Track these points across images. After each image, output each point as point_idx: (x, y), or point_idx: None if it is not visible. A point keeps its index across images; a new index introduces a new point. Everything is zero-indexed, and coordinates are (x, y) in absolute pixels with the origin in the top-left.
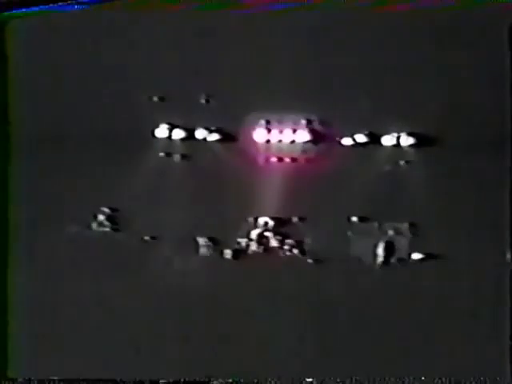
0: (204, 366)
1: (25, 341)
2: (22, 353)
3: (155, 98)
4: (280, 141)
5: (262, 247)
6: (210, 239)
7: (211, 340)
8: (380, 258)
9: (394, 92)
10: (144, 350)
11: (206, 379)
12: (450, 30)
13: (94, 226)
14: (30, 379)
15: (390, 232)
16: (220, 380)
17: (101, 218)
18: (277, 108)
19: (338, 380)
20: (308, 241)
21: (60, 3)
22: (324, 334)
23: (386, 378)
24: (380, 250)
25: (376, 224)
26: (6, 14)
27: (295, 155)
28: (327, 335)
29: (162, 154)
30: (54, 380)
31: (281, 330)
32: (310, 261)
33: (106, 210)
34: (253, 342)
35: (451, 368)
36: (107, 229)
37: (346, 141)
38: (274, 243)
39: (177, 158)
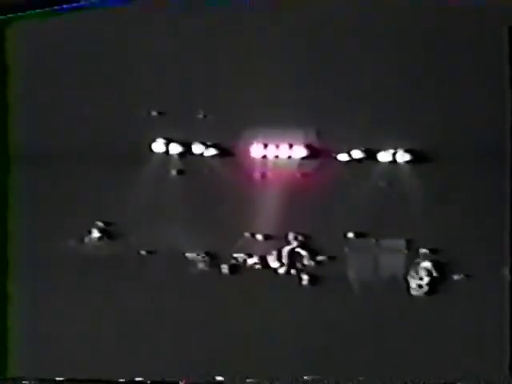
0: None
1: (25, 341)
2: (22, 353)
3: (154, 113)
4: (277, 156)
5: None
6: (207, 254)
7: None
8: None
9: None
10: (143, 351)
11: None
12: (450, 31)
13: (90, 238)
14: (29, 379)
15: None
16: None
17: (96, 231)
18: (274, 123)
19: None
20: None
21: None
22: (324, 352)
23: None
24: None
25: (373, 240)
26: (5, 17)
27: (292, 170)
28: (327, 353)
29: (159, 169)
30: (54, 380)
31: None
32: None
33: (101, 224)
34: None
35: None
36: (103, 241)
37: (342, 157)
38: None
39: (173, 172)
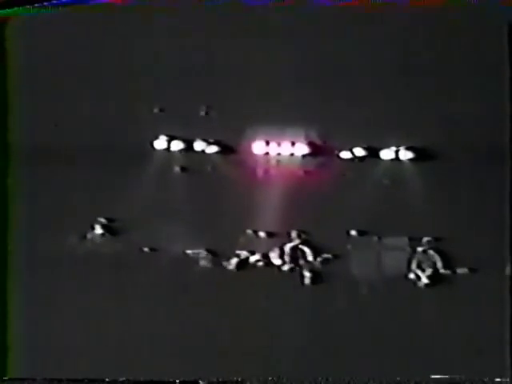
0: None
1: (25, 341)
2: (22, 353)
3: (155, 110)
4: (279, 154)
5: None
6: (209, 251)
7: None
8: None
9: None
10: (144, 350)
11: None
12: (450, 31)
13: (93, 235)
14: (30, 379)
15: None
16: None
17: (98, 228)
18: (276, 121)
19: None
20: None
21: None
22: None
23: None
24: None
25: (375, 238)
26: (6, 11)
27: (294, 168)
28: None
29: (161, 166)
30: (54, 380)
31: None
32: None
33: (104, 220)
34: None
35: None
36: (105, 238)
37: (345, 154)
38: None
39: (176, 169)
